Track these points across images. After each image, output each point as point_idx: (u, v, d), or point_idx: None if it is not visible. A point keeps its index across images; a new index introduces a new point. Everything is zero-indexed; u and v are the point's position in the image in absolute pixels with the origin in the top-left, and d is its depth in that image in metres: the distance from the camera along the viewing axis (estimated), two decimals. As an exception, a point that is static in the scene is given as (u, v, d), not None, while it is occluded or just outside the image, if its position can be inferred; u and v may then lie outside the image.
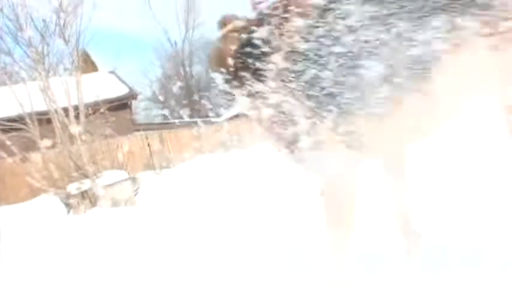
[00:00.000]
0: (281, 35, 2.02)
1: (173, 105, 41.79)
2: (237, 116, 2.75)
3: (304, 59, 1.97)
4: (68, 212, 8.78)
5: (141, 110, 36.71)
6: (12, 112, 9.61)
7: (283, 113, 2.03)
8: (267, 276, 2.44)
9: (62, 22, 9.66)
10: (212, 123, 20.38)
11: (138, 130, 19.25)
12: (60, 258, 4.35)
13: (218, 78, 2.43)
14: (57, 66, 10.17)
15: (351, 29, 1.91)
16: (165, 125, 24.65)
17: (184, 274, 2.94)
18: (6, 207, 13.01)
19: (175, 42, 42.54)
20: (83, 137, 9.36)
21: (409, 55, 1.77)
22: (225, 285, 2.57)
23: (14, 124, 9.50)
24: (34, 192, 12.25)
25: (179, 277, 2.92)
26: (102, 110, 10.55)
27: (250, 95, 2.21)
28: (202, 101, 39.58)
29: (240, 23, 2.25)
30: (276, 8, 2.05)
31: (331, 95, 1.90)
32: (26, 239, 6.22)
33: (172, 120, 29.64)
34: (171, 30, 41.04)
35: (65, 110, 9.29)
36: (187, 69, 40.49)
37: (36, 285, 3.61)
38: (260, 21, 2.14)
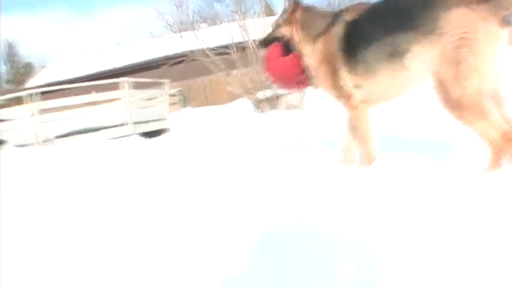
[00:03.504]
0: None
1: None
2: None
3: None
4: (255, 111, 9.92)
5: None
6: (221, 42, 10.77)
7: None
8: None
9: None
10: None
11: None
12: (251, 140, 5.16)
13: None
14: (248, 12, 11.11)
15: None
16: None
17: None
18: (214, 107, 15.43)
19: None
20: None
21: None
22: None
23: (222, 50, 10.74)
24: (232, 98, 14.15)
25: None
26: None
27: None
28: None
29: None
30: None
31: None
32: (227, 130, 7.40)
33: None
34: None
35: (255, 40, 10.14)
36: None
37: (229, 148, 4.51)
38: None
